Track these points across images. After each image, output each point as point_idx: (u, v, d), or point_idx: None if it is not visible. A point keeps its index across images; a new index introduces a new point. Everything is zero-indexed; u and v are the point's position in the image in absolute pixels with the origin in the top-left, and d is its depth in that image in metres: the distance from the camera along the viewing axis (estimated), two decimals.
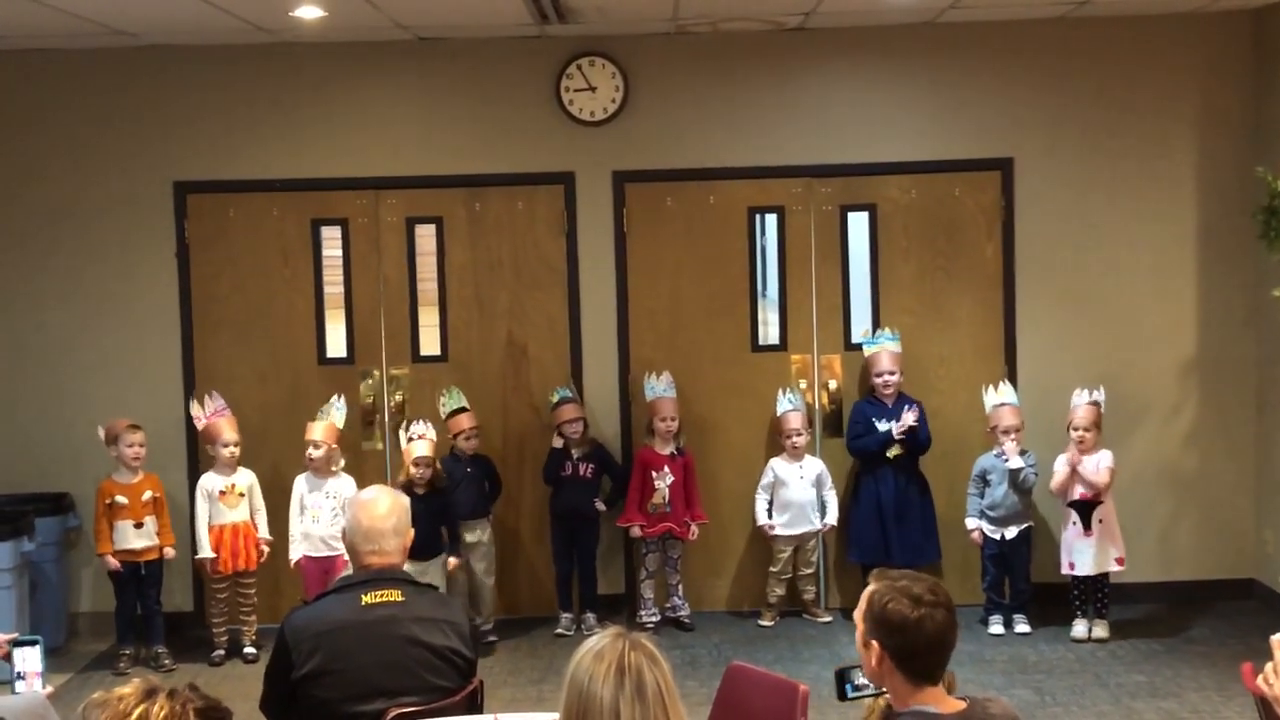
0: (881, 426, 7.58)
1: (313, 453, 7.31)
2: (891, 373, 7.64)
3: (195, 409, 7.50)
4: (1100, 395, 7.38)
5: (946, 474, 7.82)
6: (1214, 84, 7.88)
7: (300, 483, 7.38)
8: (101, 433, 7.31)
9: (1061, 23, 7.80)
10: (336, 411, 7.45)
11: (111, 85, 7.87)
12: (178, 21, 7.11)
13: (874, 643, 3.09)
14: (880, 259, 7.99)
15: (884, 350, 7.70)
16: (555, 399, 7.72)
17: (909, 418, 7.52)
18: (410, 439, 7.30)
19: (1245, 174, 7.66)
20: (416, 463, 7.21)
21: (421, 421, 7.45)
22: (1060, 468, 7.30)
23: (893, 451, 7.58)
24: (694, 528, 7.68)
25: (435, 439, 7.35)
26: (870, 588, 3.15)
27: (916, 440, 7.60)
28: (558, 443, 7.64)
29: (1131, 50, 7.87)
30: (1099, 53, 7.87)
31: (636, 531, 7.62)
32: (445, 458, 7.51)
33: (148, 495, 7.30)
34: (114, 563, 7.21)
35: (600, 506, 7.71)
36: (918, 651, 3.05)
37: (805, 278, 8.01)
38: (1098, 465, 7.26)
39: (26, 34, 7.30)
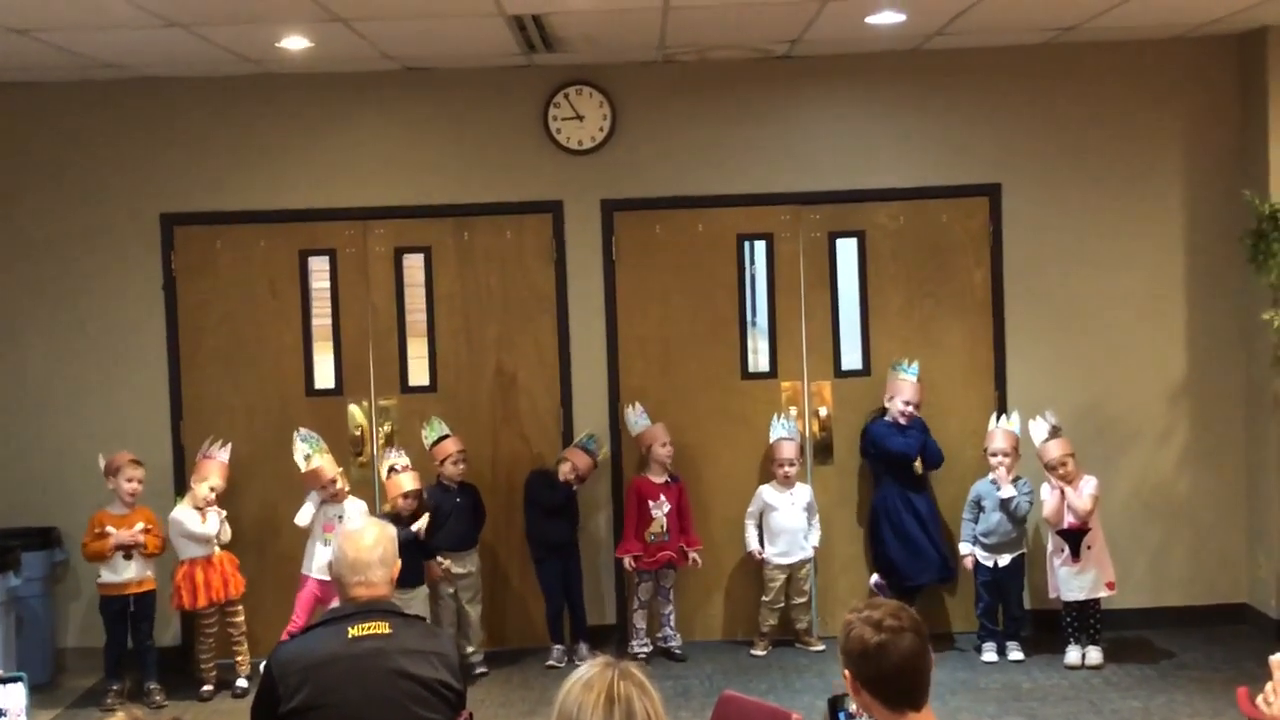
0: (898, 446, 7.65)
1: (338, 487, 7.32)
2: (916, 404, 7.67)
3: (205, 444, 7.50)
4: (1053, 418, 7.36)
5: (937, 500, 7.80)
6: (1200, 108, 7.90)
7: (312, 508, 7.35)
8: (102, 463, 7.28)
9: (1047, 48, 7.82)
10: (316, 443, 7.40)
11: (97, 117, 7.86)
12: (164, 54, 7.11)
13: (846, 671, 3.11)
14: (869, 285, 7.99)
15: (910, 381, 7.69)
16: (581, 441, 7.68)
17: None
18: (393, 469, 7.28)
19: (1233, 197, 7.67)
20: (405, 495, 7.19)
21: (395, 450, 7.45)
22: (1049, 496, 7.28)
23: (917, 465, 7.64)
24: (694, 555, 7.65)
25: (411, 466, 7.35)
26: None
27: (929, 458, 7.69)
28: (560, 473, 7.58)
29: (1118, 75, 7.89)
30: (1085, 78, 7.89)
31: (630, 564, 7.57)
32: (433, 488, 7.49)
33: (139, 528, 7.24)
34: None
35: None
36: (884, 677, 3.05)
37: (795, 305, 8.00)
38: (1081, 492, 7.24)
39: (12, 66, 7.29)
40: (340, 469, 7.44)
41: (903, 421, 7.67)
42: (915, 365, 7.76)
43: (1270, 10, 7.07)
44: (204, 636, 7.36)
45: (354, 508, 7.35)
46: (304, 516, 7.30)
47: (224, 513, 7.37)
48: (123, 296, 7.90)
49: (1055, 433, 7.33)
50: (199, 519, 7.25)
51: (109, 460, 7.29)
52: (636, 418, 7.70)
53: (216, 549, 7.32)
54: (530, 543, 7.71)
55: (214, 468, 7.41)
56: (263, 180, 7.91)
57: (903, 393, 7.70)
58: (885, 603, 3.13)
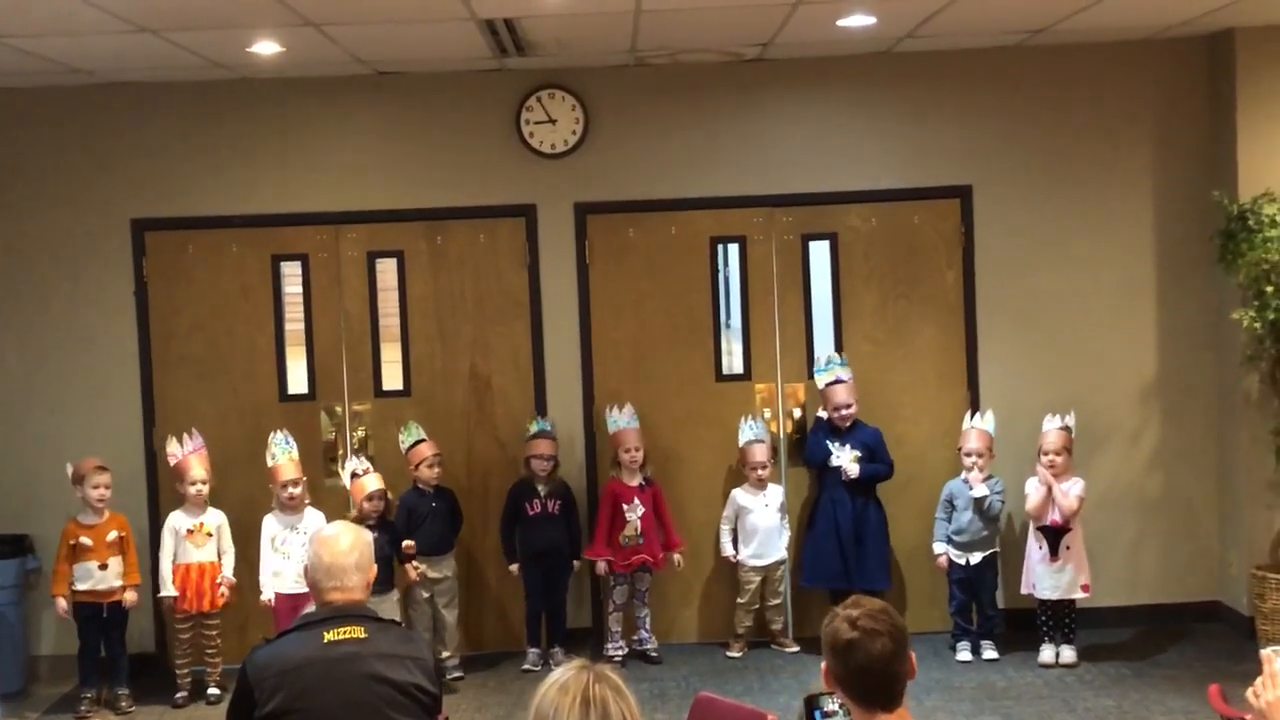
0: (835, 449, 7.58)
1: (293, 491, 7.25)
2: (848, 405, 7.62)
3: (173, 446, 7.43)
4: (1071, 420, 7.40)
5: (911, 501, 7.82)
6: (1169, 109, 7.95)
7: (271, 521, 7.30)
8: (70, 470, 7.24)
9: (1017, 50, 7.86)
10: (286, 446, 7.37)
11: (67, 122, 7.82)
12: (135, 59, 7.08)
13: (824, 664, 3.13)
14: (842, 287, 8.01)
15: (838, 383, 7.67)
16: (534, 430, 7.68)
17: (852, 469, 7.52)
18: (354, 474, 7.26)
19: (1202, 198, 7.72)
20: (370, 497, 7.16)
21: (357, 456, 7.44)
22: (1034, 490, 7.31)
23: (844, 474, 7.57)
24: (676, 556, 7.65)
25: (372, 469, 7.33)
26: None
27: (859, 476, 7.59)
28: (537, 473, 7.60)
29: (1087, 77, 7.94)
30: (1055, 80, 7.93)
31: (603, 567, 7.57)
32: (409, 492, 7.48)
33: (113, 535, 7.21)
34: (63, 606, 7.13)
35: (574, 565, 7.69)
36: (852, 675, 3.07)
37: (768, 307, 8.02)
38: (1067, 492, 7.28)
39: None
40: (303, 477, 7.35)
41: (845, 425, 7.62)
42: (832, 363, 7.73)
43: (1237, 12, 7.13)
44: (179, 643, 7.33)
45: (314, 519, 7.27)
46: (267, 590, 7.24)
47: (233, 580, 7.37)
48: (94, 302, 7.86)
49: (1065, 429, 7.36)
50: (188, 527, 7.27)
51: (75, 468, 7.25)
52: (616, 417, 7.69)
53: (210, 558, 7.30)
54: (518, 543, 7.71)
55: (191, 462, 7.36)
56: (234, 185, 7.88)
57: (833, 397, 7.65)
58: (871, 603, 3.14)
